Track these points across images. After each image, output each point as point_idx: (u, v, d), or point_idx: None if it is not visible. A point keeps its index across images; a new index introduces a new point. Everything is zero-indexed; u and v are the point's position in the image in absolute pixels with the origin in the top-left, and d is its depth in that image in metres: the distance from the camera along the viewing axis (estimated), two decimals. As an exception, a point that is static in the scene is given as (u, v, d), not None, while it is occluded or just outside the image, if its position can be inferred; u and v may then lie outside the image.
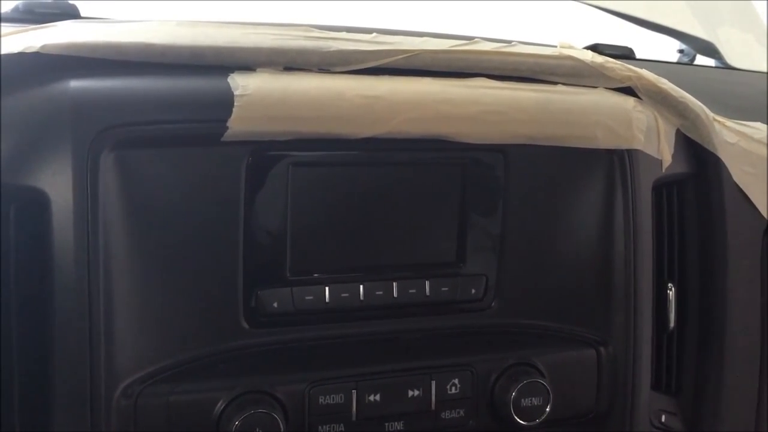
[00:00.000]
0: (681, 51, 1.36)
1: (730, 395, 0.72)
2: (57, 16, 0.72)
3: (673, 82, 0.75)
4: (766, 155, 0.75)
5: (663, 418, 0.71)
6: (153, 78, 0.57)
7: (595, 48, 1.13)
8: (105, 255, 0.54)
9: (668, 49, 1.37)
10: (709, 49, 1.29)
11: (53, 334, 0.53)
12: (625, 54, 1.16)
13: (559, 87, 0.68)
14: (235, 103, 0.56)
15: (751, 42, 1.38)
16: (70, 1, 0.80)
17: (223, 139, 0.56)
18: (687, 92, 0.76)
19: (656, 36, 1.31)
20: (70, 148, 0.53)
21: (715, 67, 1.30)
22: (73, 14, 0.78)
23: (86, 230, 0.53)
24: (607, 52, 1.13)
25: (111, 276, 0.55)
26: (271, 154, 0.60)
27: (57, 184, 0.53)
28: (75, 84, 0.55)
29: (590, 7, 1.27)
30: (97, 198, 0.54)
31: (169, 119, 0.56)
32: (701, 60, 1.33)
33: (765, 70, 1.29)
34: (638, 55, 1.17)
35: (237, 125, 0.56)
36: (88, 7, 0.81)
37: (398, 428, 0.62)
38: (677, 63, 1.33)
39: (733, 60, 1.29)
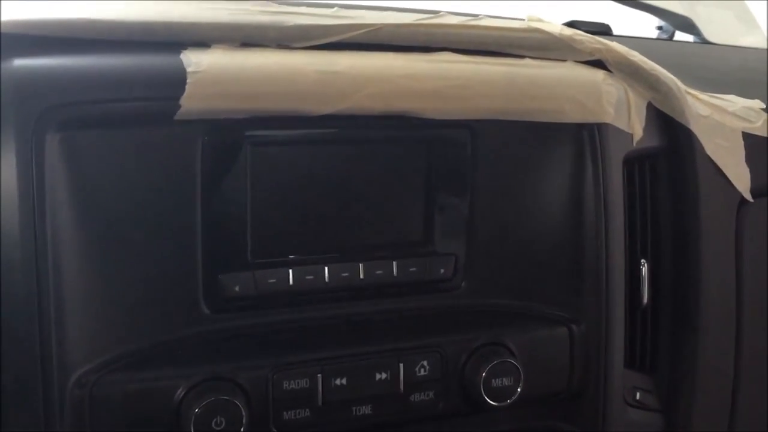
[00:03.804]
0: (660, 27, 1.35)
1: (706, 372, 0.71)
2: None
3: (649, 58, 0.73)
4: (739, 128, 0.73)
5: (638, 396, 0.70)
6: (101, 55, 0.55)
7: (571, 25, 1.12)
8: (53, 240, 0.52)
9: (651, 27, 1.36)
10: (687, 25, 1.28)
11: None
12: (602, 30, 1.15)
13: (527, 60, 0.66)
14: (188, 80, 0.54)
15: (730, 18, 1.37)
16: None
17: (176, 117, 0.54)
18: (663, 67, 0.75)
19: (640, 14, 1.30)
20: (13, 129, 0.51)
21: (694, 43, 1.29)
22: None
23: (32, 214, 0.51)
24: (583, 28, 1.11)
25: (60, 262, 0.52)
26: (228, 133, 0.58)
27: (0, 166, 0.51)
28: (19, 62, 0.52)
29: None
30: (44, 181, 0.52)
31: (118, 98, 0.54)
32: (680, 36, 1.32)
33: (742, 44, 1.29)
34: (619, 32, 1.16)
35: (190, 103, 0.54)
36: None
37: (366, 412, 0.60)
38: (656, 39, 1.32)
39: (712, 36, 1.28)
